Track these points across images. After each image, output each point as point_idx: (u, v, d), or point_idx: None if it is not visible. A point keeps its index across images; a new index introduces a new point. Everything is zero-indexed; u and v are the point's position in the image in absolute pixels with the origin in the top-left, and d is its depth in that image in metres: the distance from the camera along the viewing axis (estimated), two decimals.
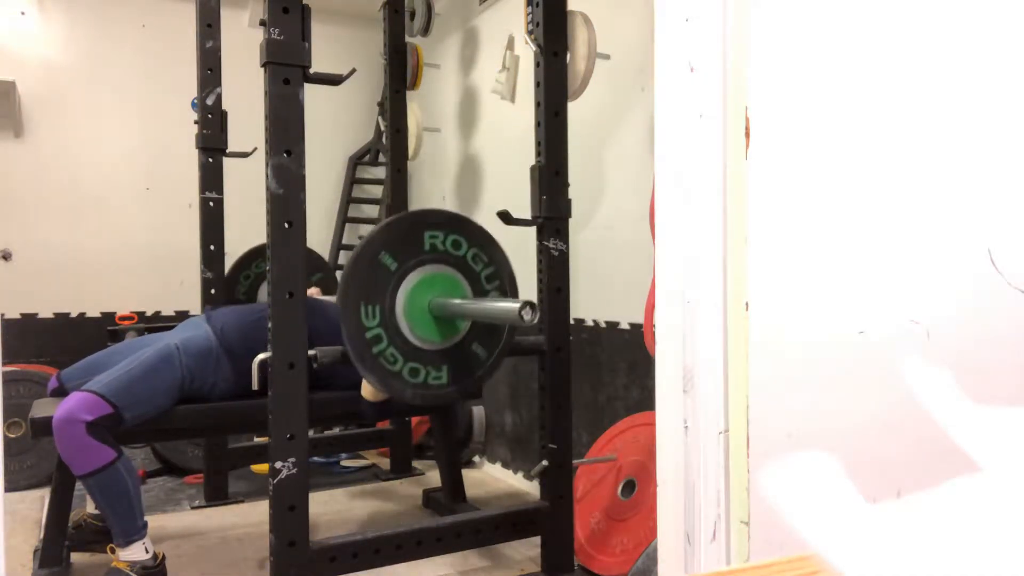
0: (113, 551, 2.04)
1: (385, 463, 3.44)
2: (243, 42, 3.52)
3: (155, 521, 2.27)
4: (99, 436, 1.95)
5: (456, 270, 1.96)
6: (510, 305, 1.69)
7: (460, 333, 1.97)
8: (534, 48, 2.12)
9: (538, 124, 2.13)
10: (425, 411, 2.90)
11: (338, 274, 3.19)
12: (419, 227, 1.92)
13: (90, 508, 2.40)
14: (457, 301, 1.90)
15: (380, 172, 4.17)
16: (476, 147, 3.55)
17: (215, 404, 2.24)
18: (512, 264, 2.10)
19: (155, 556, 2.07)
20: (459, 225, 1.98)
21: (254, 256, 3.14)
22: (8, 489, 2.95)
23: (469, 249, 1.98)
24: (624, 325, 2.50)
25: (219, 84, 2.90)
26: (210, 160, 2.94)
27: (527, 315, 1.66)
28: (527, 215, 2.14)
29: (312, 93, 1.92)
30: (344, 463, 3.48)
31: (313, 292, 2.82)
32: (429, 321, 1.91)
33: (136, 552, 2.03)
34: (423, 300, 1.91)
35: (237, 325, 2.27)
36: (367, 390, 2.27)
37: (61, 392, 2.19)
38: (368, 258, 1.84)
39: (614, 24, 2.45)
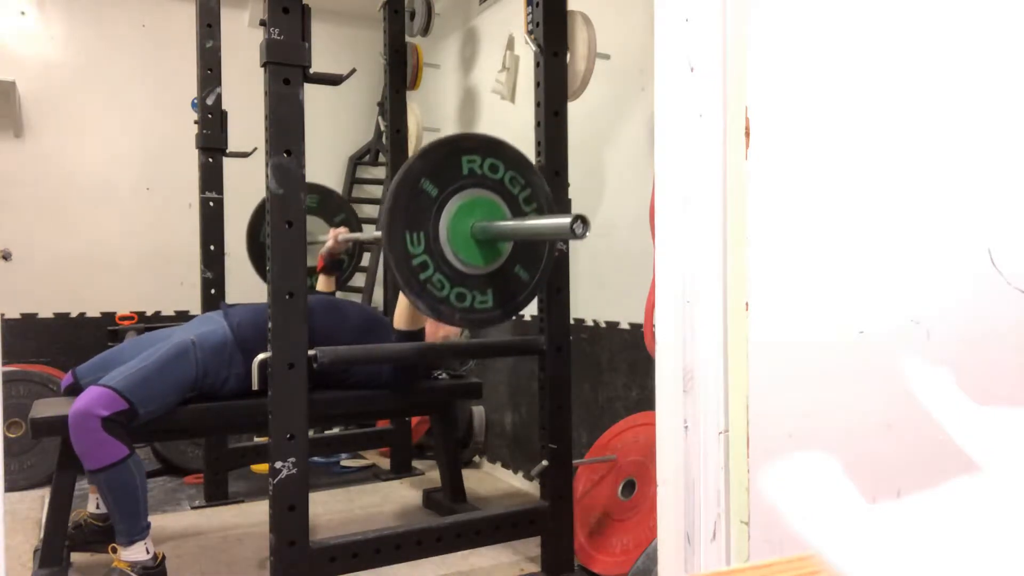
0: (114, 550, 2.04)
1: (385, 463, 3.44)
2: (243, 42, 3.53)
3: (155, 521, 2.27)
4: (113, 432, 1.96)
5: (495, 194, 1.94)
6: (561, 220, 1.67)
7: (503, 257, 1.95)
8: (534, 48, 2.12)
9: (538, 124, 2.13)
10: (427, 411, 2.91)
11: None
12: (456, 152, 1.90)
13: (90, 508, 2.40)
14: (503, 223, 1.88)
15: (380, 172, 4.17)
16: None
17: (218, 404, 2.24)
18: None
19: (155, 556, 2.07)
20: (495, 148, 1.95)
21: None
22: (8, 489, 2.95)
23: (506, 172, 1.96)
24: (624, 325, 2.50)
25: (219, 84, 2.90)
26: (210, 160, 2.94)
27: (579, 229, 1.62)
28: None
29: (312, 93, 1.92)
30: (344, 463, 3.48)
31: (341, 230, 2.83)
32: (472, 245, 1.90)
33: (137, 552, 2.03)
34: (465, 225, 1.89)
35: (253, 321, 2.27)
36: (399, 318, 2.28)
37: (75, 389, 2.20)
38: (409, 186, 1.82)
39: (614, 24, 2.45)
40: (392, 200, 1.80)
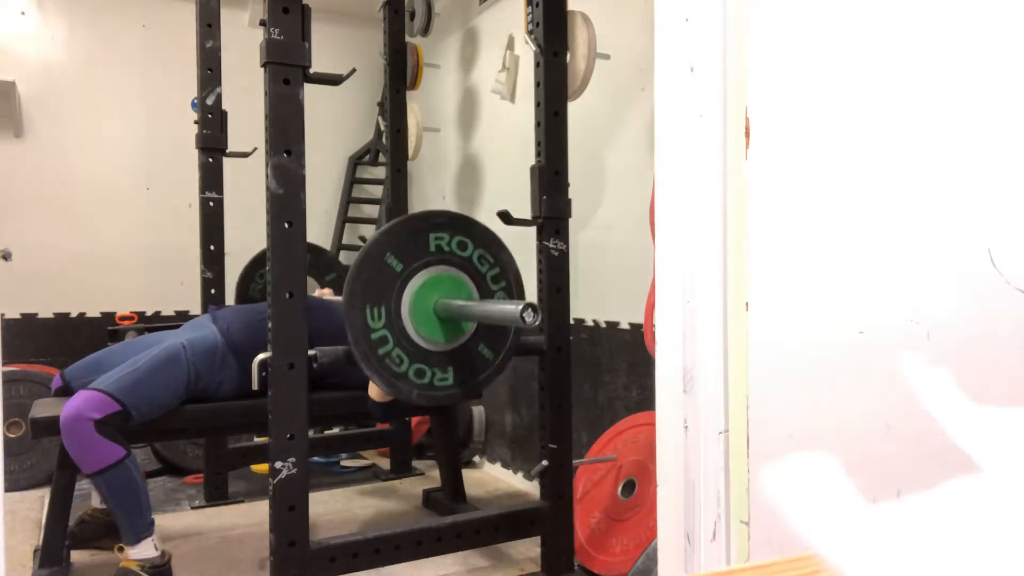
0: (122, 550, 2.04)
1: (385, 463, 3.44)
2: (243, 42, 3.52)
3: (155, 521, 2.26)
4: (107, 434, 1.95)
5: (462, 271, 1.96)
6: (511, 307, 1.68)
7: (466, 334, 1.97)
8: (534, 48, 2.12)
9: (538, 124, 2.13)
10: (427, 411, 2.90)
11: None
12: (424, 229, 1.92)
13: (95, 503, 2.41)
14: (459, 303, 1.89)
15: (380, 172, 4.17)
16: (476, 147, 3.55)
17: (217, 404, 2.24)
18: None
19: (163, 554, 2.08)
20: (465, 226, 1.97)
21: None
22: (8, 489, 2.95)
23: (475, 250, 1.97)
24: (624, 325, 2.50)
25: (219, 84, 2.90)
26: (210, 160, 2.94)
27: (528, 317, 1.64)
28: (527, 215, 2.14)
29: (312, 93, 1.92)
30: (344, 463, 3.48)
31: (326, 293, 2.82)
32: (435, 322, 1.91)
33: (145, 550, 2.03)
34: (429, 301, 1.90)
35: (243, 324, 2.27)
36: (374, 390, 2.26)
37: (66, 391, 2.19)
38: (373, 259, 1.84)
39: (614, 24, 2.45)
40: (354, 273, 1.82)
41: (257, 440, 3.14)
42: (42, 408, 2.14)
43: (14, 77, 3.48)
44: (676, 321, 1.17)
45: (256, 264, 3.12)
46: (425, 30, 3.39)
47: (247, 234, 3.19)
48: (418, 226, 1.92)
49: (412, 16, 3.38)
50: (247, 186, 3.31)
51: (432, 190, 3.97)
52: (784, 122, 1.03)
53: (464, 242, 1.96)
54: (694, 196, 1.15)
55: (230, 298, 3.03)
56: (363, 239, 3.71)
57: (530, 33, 2.14)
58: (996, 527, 0.31)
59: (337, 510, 2.86)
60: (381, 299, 1.85)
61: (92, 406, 1.95)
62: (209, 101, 2.89)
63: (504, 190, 3.29)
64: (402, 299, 1.87)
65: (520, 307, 1.65)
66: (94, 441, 1.93)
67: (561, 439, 2.14)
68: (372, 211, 4.28)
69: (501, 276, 2.01)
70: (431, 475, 3.24)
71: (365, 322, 1.83)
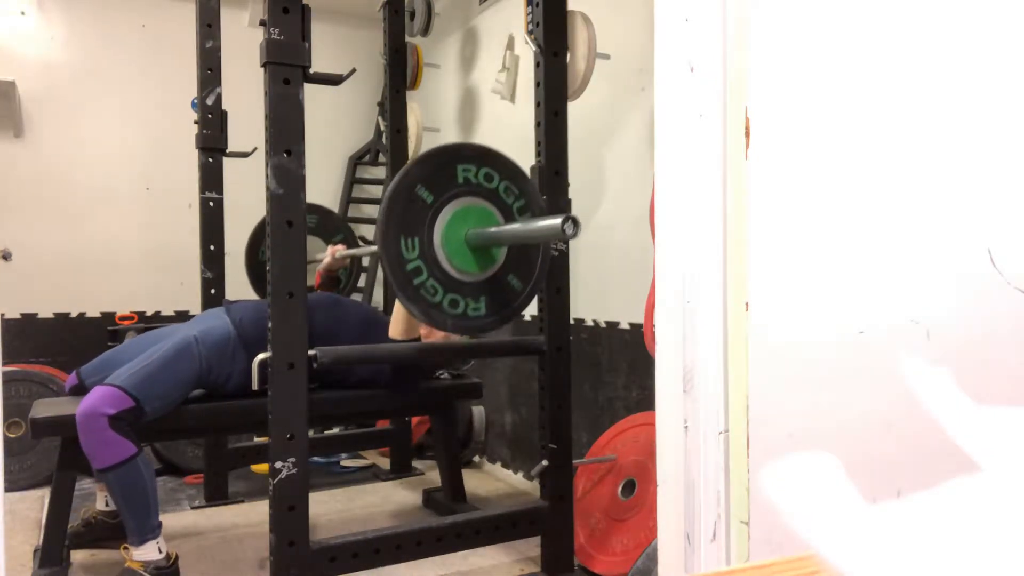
0: (127, 549, 2.04)
1: (385, 463, 3.44)
2: (243, 42, 3.52)
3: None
4: (121, 430, 1.96)
5: (489, 202, 1.95)
6: (552, 221, 1.67)
7: (496, 264, 1.96)
8: (534, 48, 2.12)
9: (538, 124, 2.13)
10: (427, 411, 2.91)
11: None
12: (452, 161, 1.91)
13: (99, 505, 2.41)
14: (494, 228, 1.89)
15: (380, 172, 4.17)
16: None
17: (217, 404, 2.24)
18: None
19: (168, 556, 2.08)
20: (490, 158, 1.96)
21: None
22: (8, 489, 2.95)
23: (500, 182, 1.97)
24: (624, 325, 2.50)
25: (219, 84, 2.90)
26: (210, 160, 2.94)
27: (570, 229, 1.62)
28: None
29: (312, 93, 1.92)
30: (344, 463, 3.48)
31: (339, 248, 2.84)
32: (466, 252, 1.91)
33: (149, 551, 2.03)
34: (460, 232, 1.90)
35: (255, 318, 2.27)
36: (394, 328, 2.28)
37: (81, 389, 2.21)
38: (405, 191, 1.83)
39: (614, 24, 2.45)
40: (388, 205, 1.81)
41: (257, 440, 3.14)
42: (42, 408, 2.14)
43: (14, 77, 3.48)
44: (676, 321, 1.17)
45: (262, 229, 3.13)
46: (425, 30, 3.39)
47: (247, 234, 3.18)
48: (446, 159, 1.91)
49: (412, 16, 3.38)
50: (247, 186, 3.31)
51: None
52: (784, 122, 1.03)
53: (490, 174, 1.95)
54: (694, 196, 1.15)
55: (231, 292, 3.03)
56: (364, 239, 3.71)
57: (530, 33, 2.14)
58: (996, 527, 0.31)
59: (337, 510, 2.86)
60: (414, 230, 1.84)
61: (107, 401, 1.96)
62: (209, 101, 2.89)
63: None
64: (434, 230, 1.87)
65: (561, 219, 1.63)
66: (107, 437, 1.94)
67: (561, 439, 2.14)
68: (372, 211, 4.27)
69: (526, 207, 2.00)
70: (431, 475, 3.24)
71: (400, 253, 1.82)
